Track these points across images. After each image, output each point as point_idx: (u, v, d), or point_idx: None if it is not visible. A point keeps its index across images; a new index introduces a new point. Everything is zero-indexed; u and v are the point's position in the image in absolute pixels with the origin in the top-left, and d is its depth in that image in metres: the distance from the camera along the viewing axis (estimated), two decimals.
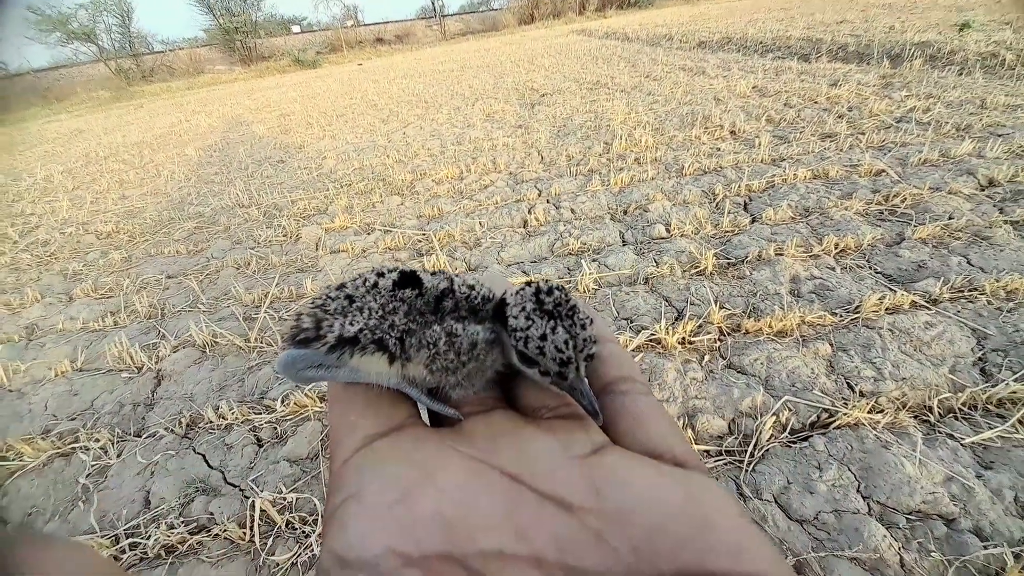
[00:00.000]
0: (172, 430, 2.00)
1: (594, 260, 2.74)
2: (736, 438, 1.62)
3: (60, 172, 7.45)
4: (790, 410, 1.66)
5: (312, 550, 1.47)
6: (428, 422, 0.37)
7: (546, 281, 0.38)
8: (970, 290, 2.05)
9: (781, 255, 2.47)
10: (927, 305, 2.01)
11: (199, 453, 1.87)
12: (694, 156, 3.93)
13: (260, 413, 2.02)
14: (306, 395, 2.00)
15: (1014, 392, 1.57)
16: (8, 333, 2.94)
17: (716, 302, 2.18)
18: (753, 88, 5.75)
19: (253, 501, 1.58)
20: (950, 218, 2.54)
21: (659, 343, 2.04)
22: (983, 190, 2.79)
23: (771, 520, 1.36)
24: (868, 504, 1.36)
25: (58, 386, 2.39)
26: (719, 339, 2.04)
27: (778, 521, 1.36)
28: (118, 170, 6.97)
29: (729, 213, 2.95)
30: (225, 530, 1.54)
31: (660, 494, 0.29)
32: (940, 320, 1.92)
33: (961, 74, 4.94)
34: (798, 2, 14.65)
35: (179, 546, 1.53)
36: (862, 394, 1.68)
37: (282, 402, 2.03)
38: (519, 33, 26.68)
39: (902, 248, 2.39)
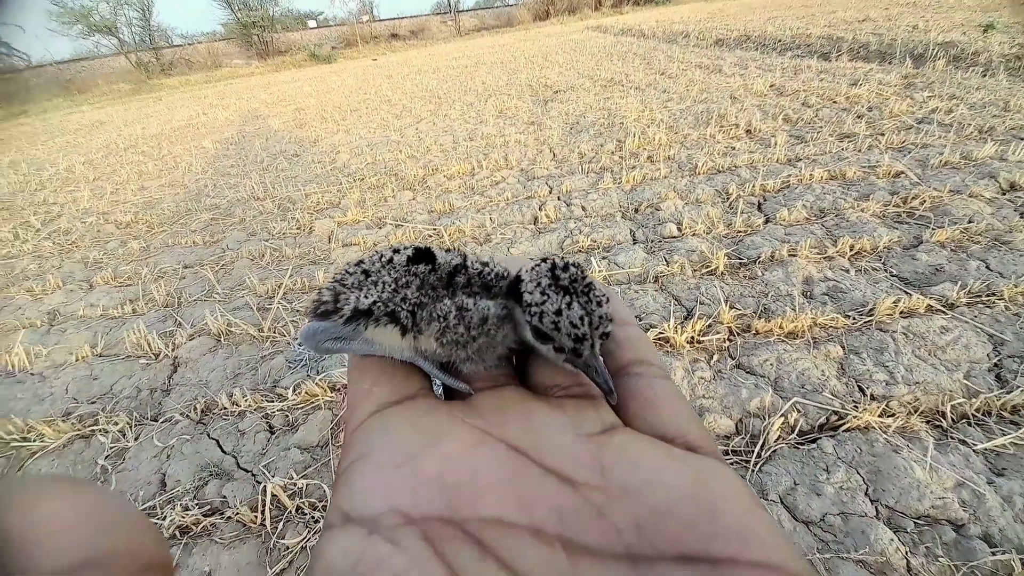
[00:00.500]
0: (187, 415, 2.05)
1: (604, 258, 2.73)
2: (743, 438, 1.62)
3: (81, 163, 7.61)
4: (799, 411, 1.66)
5: None
6: (443, 395, 0.38)
7: (562, 257, 0.37)
8: (988, 295, 2.01)
9: (794, 256, 2.45)
10: (943, 309, 1.98)
11: (213, 438, 1.92)
12: (708, 155, 3.90)
13: (272, 401, 2.06)
14: (317, 384, 2.04)
15: None
16: (31, 318, 3.03)
17: (726, 302, 2.17)
18: (771, 87, 5.68)
19: (265, 486, 1.62)
20: (970, 221, 2.49)
21: (667, 342, 2.03)
22: (1004, 194, 2.73)
23: (776, 520, 1.36)
24: (876, 508, 1.35)
25: (79, 370, 2.45)
26: (728, 339, 2.03)
27: (784, 522, 1.36)
28: (137, 161, 7.11)
29: (742, 213, 2.92)
30: (237, 513, 1.58)
31: (667, 476, 0.29)
32: (956, 325, 1.89)
33: (985, 75, 4.82)
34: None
35: (193, 527, 1.57)
36: (873, 397, 1.67)
37: (294, 391, 2.06)
38: (534, 29, 26.56)
39: (919, 251, 2.35)
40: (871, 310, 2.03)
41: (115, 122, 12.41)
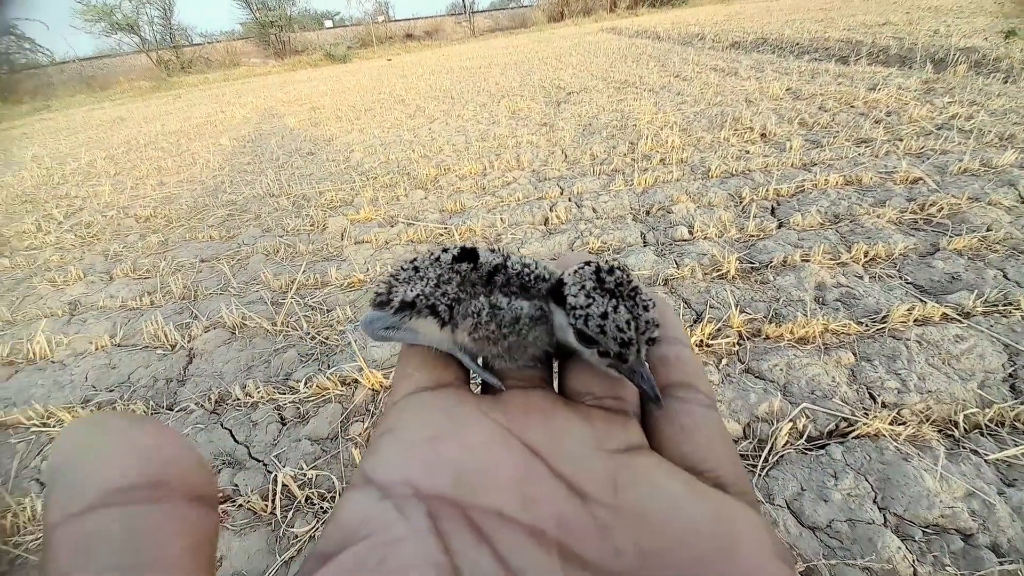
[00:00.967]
0: (202, 405, 2.10)
1: (614, 260, 2.73)
2: (751, 442, 1.61)
3: (103, 158, 7.78)
4: (808, 417, 1.65)
5: None
6: (480, 389, 0.40)
7: (606, 260, 0.37)
8: (1005, 304, 1.98)
9: (807, 261, 2.43)
10: (959, 318, 1.95)
11: (226, 428, 1.96)
12: (722, 158, 3.88)
13: (284, 393, 2.10)
14: (328, 378, 2.07)
15: None
16: (53, 308, 3.12)
17: (737, 306, 2.16)
18: (787, 90, 5.62)
19: (276, 475, 1.66)
20: (988, 230, 2.45)
21: None
22: None
23: (782, 525, 1.36)
24: (884, 515, 1.34)
25: (98, 359, 2.52)
26: (738, 343, 2.02)
27: (789, 527, 1.35)
28: (157, 157, 7.25)
29: (755, 217, 2.90)
30: (248, 501, 1.62)
31: (686, 507, 0.28)
32: (971, 334, 1.86)
33: (1006, 82, 4.73)
34: (839, 3, 14.18)
35: None
36: (884, 405, 1.65)
37: (305, 384, 2.10)
38: (548, 31, 26.55)
39: (935, 259, 2.32)
40: (884, 317, 2.01)
41: (135, 118, 12.67)
